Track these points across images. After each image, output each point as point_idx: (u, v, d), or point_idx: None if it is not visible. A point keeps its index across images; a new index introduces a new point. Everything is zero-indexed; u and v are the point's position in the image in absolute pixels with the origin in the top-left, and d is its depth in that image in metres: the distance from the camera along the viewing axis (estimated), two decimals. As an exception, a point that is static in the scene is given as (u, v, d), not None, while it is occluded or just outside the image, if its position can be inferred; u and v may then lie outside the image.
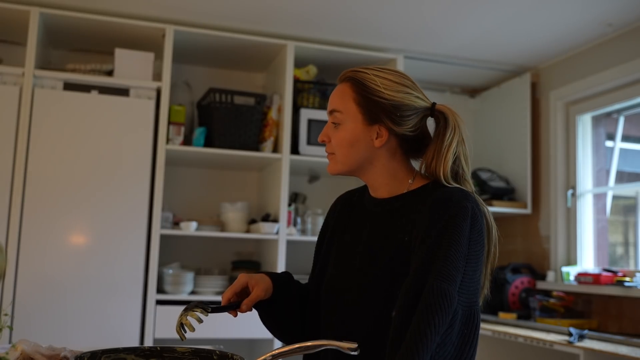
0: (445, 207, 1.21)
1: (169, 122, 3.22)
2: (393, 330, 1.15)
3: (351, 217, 1.42)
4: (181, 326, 1.20)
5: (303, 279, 1.55)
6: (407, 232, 1.25)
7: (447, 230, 1.18)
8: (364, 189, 1.45)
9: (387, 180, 1.34)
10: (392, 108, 1.28)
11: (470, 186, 1.33)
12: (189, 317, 1.20)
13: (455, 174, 1.31)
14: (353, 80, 1.32)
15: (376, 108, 1.29)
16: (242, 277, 1.32)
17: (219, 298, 3.17)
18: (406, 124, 1.30)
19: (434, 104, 1.34)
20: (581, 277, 3.26)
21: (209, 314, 1.22)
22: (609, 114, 3.55)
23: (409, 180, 1.33)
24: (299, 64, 3.54)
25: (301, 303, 1.42)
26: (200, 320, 1.19)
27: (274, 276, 1.39)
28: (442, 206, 1.21)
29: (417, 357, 1.08)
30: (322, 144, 1.38)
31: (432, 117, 1.34)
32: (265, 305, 1.36)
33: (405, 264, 1.23)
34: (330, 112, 1.34)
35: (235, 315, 1.32)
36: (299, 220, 3.46)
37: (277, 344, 3.03)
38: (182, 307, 3.34)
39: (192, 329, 1.19)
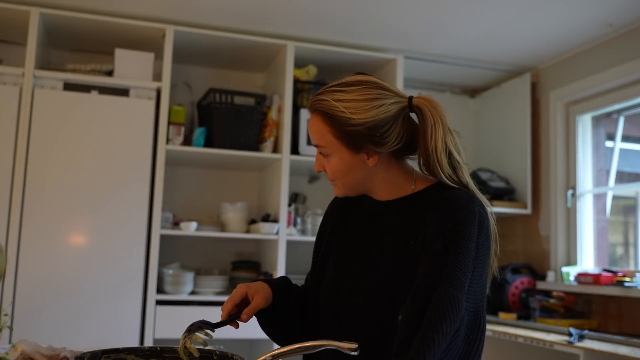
0: (453, 211, 1.20)
1: (169, 122, 3.22)
2: (400, 334, 1.14)
3: (351, 218, 1.40)
4: (185, 350, 1.17)
5: (303, 279, 1.54)
6: (413, 235, 1.23)
7: (455, 235, 1.17)
8: None
9: (389, 188, 1.33)
10: (369, 131, 1.22)
11: (466, 174, 1.29)
12: (193, 340, 1.17)
13: (454, 168, 1.28)
14: (321, 113, 1.26)
15: (354, 137, 1.24)
16: (240, 288, 1.31)
17: (219, 298, 3.17)
18: (389, 139, 1.25)
19: (410, 98, 1.28)
20: (581, 278, 3.26)
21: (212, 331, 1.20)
22: (609, 114, 3.55)
23: (412, 185, 1.32)
24: (299, 64, 3.54)
25: (300, 308, 1.40)
26: (204, 344, 1.17)
27: (272, 283, 1.37)
28: (449, 210, 1.20)
29: None
30: None
31: (412, 112, 1.28)
32: (265, 312, 1.35)
33: (410, 266, 1.21)
34: (316, 147, 1.32)
35: (237, 327, 1.30)
36: (299, 220, 3.46)
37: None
38: (182, 307, 3.33)
39: (197, 354, 1.16)
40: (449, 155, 1.26)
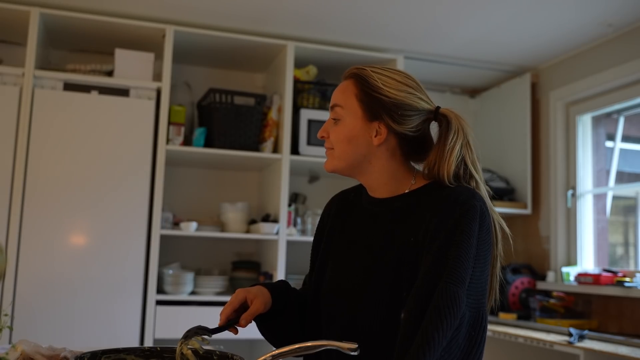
0: (454, 206, 1.20)
1: (169, 123, 3.22)
2: (403, 332, 1.14)
3: (349, 217, 1.40)
4: (181, 357, 1.16)
5: (303, 279, 1.53)
6: (413, 232, 1.23)
7: (456, 230, 1.17)
8: (360, 188, 1.42)
9: (386, 181, 1.32)
10: (392, 106, 1.27)
11: (482, 190, 1.30)
12: (190, 347, 1.16)
13: (456, 176, 1.29)
14: (356, 77, 1.31)
15: (377, 105, 1.28)
16: (239, 293, 1.30)
17: (219, 298, 3.17)
18: (407, 123, 1.28)
19: (437, 107, 1.33)
20: (581, 278, 3.26)
21: (209, 337, 1.19)
22: (609, 114, 3.55)
23: (411, 181, 1.32)
24: (299, 64, 3.54)
25: (300, 312, 1.39)
26: (201, 350, 1.16)
27: (271, 287, 1.36)
28: (451, 206, 1.20)
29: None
30: (322, 145, 1.37)
31: (435, 121, 1.32)
32: (263, 317, 1.34)
33: (411, 264, 1.21)
34: (332, 107, 1.33)
35: (236, 333, 1.29)
36: (299, 220, 3.46)
37: (277, 344, 3.02)
38: (182, 308, 3.33)
39: (194, 359, 1.16)
40: (464, 166, 1.29)
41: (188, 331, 1.19)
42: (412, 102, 1.29)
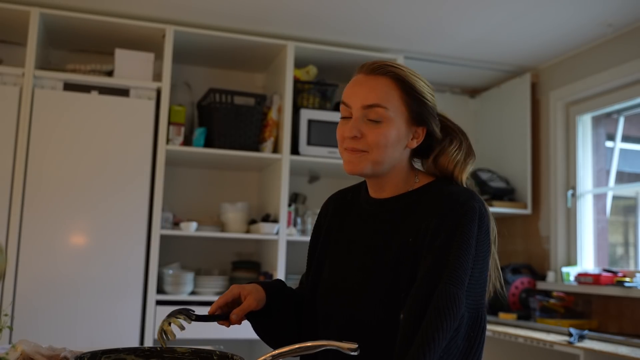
0: (454, 208, 1.20)
1: (169, 123, 3.22)
2: (402, 333, 1.14)
3: (347, 216, 1.39)
4: (162, 333, 1.16)
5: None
6: (412, 232, 1.23)
7: (456, 232, 1.17)
8: (358, 188, 1.42)
9: (397, 181, 1.31)
10: (433, 111, 1.29)
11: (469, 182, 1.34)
12: (171, 324, 1.17)
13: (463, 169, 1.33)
14: (396, 77, 1.25)
15: (424, 110, 1.27)
16: (234, 288, 1.30)
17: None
18: (437, 126, 1.31)
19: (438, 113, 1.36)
20: (581, 278, 3.26)
21: (193, 321, 1.19)
22: (609, 114, 3.55)
23: (415, 180, 1.32)
24: (299, 64, 3.54)
25: (295, 311, 1.39)
26: (182, 328, 1.16)
27: (266, 286, 1.35)
28: (450, 207, 1.20)
29: None
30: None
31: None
32: (257, 316, 1.34)
33: (409, 264, 1.21)
34: (369, 107, 1.23)
35: (228, 326, 1.29)
36: (299, 220, 3.46)
37: (277, 344, 3.02)
38: (182, 308, 3.32)
39: (174, 336, 1.16)
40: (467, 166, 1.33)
41: (172, 311, 1.20)
42: (436, 107, 1.31)
